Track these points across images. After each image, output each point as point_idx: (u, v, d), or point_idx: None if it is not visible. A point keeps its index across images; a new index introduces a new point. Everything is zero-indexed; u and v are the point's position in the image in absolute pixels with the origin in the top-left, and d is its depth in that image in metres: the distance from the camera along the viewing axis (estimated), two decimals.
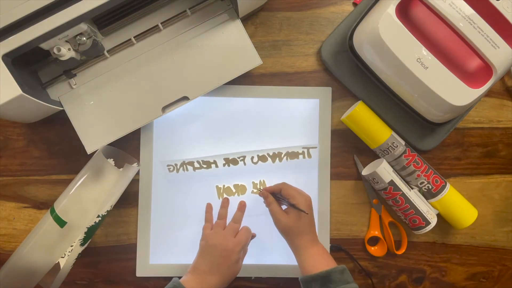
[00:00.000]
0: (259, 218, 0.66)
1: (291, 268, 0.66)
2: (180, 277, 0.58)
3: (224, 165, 0.67)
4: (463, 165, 0.69)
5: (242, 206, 0.66)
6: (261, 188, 0.64)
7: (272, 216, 0.60)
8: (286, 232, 0.59)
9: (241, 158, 0.66)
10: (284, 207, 0.61)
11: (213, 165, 0.66)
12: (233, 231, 0.61)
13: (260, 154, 0.67)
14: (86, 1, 0.51)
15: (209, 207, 0.67)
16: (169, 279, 0.57)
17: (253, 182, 0.67)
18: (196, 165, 0.66)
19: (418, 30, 0.57)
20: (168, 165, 0.66)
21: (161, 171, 0.67)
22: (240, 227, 0.63)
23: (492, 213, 0.69)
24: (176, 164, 0.66)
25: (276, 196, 0.61)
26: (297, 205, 0.57)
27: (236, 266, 0.59)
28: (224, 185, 0.67)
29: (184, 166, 0.66)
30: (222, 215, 0.65)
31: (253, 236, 0.65)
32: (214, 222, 0.65)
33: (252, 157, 0.67)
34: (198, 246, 0.61)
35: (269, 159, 0.67)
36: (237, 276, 0.66)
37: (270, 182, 0.67)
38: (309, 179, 0.67)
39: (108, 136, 0.62)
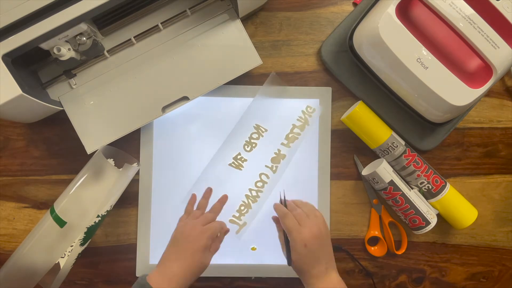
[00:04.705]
0: (259, 217, 0.66)
1: (291, 268, 0.66)
2: None
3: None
4: (463, 165, 0.69)
5: (223, 198, 0.65)
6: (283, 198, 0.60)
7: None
8: (296, 269, 0.56)
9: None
10: None
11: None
12: (205, 220, 0.58)
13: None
14: (86, 1, 0.51)
15: (193, 199, 0.65)
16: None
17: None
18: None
19: (418, 30, 0.57)
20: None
21: (161, 172, 0.66)
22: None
23: (492, 213, 0.69)
24: None
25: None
26: (290, 242, 0.54)
27: (200, 255, 0.55)
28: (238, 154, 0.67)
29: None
30: (201, 206, 0.63)
31: (226, 231, 0.63)
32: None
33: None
34: None
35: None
36: (237, 276, 0.66)
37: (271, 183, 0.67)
38: (309, 179, 0.67)
39: (108, 136, 0.62)
